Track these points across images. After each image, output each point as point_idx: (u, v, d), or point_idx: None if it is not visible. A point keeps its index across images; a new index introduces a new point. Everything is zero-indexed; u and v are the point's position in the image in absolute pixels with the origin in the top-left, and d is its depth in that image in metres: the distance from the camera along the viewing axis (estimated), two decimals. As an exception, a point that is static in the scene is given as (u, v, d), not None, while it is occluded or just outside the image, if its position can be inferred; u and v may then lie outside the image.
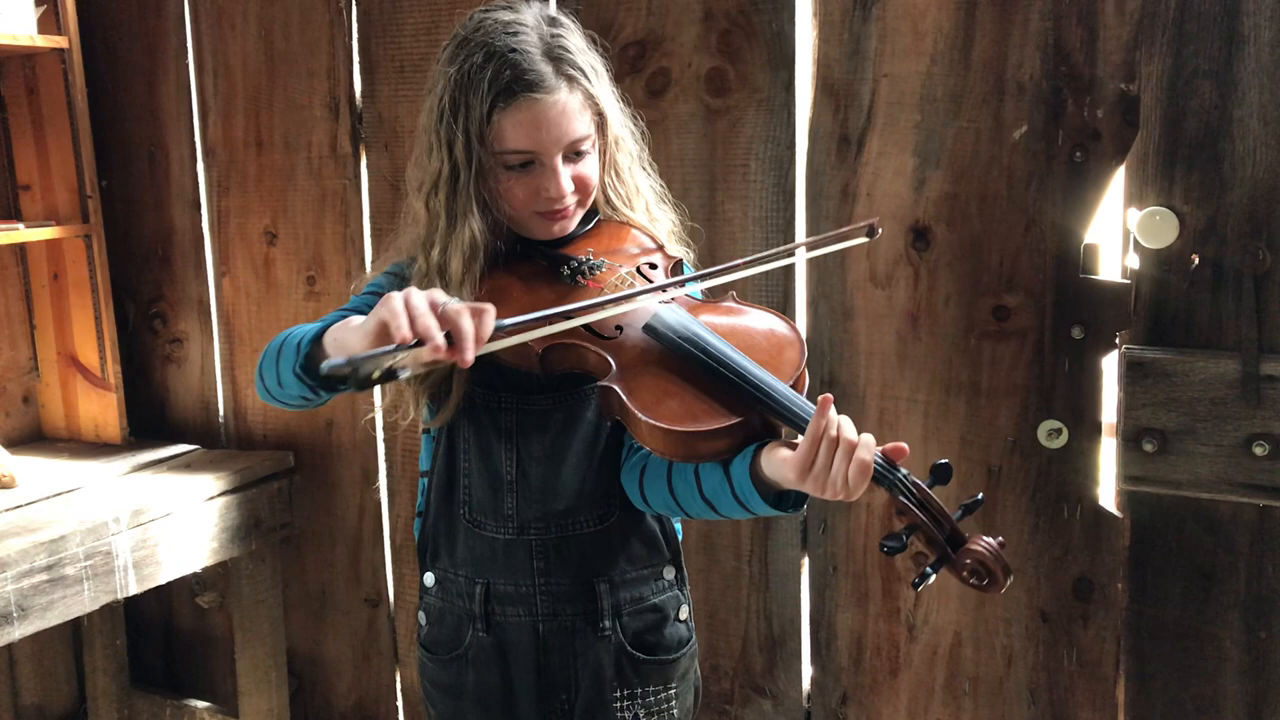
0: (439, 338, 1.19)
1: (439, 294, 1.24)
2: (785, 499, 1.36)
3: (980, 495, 1.35)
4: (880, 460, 1.30)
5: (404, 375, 1.20)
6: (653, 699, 1.58)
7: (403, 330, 1.19)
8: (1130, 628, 1.95)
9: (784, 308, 2.15)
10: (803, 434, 1.30)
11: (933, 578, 1.29)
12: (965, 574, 1.29)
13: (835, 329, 2.12)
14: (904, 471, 1.31)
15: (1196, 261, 1.82)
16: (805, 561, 2.22)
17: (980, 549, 1.28)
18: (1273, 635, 1.85)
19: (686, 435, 1.35)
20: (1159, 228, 1.82)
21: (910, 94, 2.00)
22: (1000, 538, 1.29)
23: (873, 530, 2.14)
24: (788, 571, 2.23)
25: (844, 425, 1.28)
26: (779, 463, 1.31)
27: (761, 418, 1.37)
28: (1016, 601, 2.04)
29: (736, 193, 2.16)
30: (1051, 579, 2.01)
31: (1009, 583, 1.27)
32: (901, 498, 1.30)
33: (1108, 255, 1.92)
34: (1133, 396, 1.83)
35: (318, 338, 1.36)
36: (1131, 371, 1.83)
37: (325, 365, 1.22)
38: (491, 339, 1.27)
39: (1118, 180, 1.88)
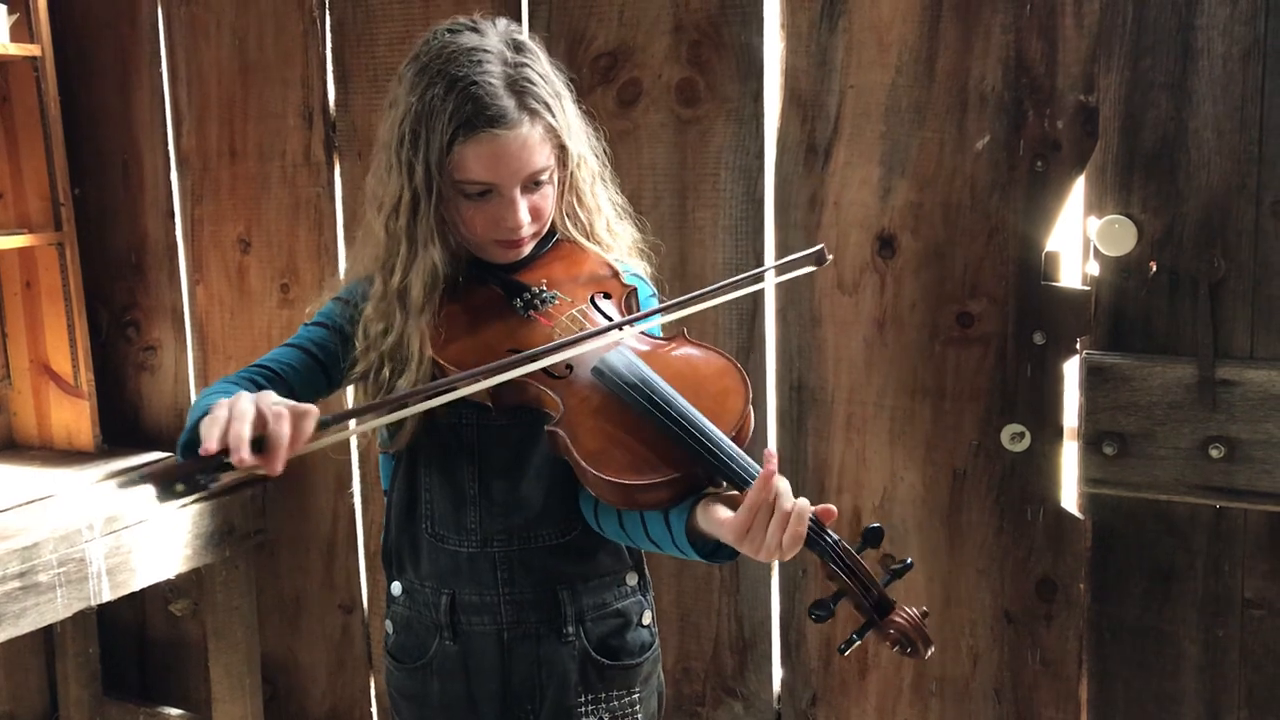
0: (244, 450, 1.17)
1: (269, 396, 1.23)
2: (720, 551, 1.38)
3: (909, 560, 1.37)
4: (813, 525, 1.31)
5: (214, 485, 1.19)
6: (617, 704, 1.58)
7: (208, 442, 1.17)
8: (1092, 627, 1.99)
9: (754, 314, 2.18)
10: (739, 489, 1.31)
11: (858, 643, 1.32)
12: (889, 642, 1.31)
13: (804, 335, 2.15)
14: (834, 537, 1.32)
15: (1154, 269, 1.86)
16: (775, 565, 2.24)
17: (902, 620, 1.30)
18: (1229, 633, 1.90)
19: (628, 487, 1.36)
20: (1118, 236, 1.87)
21: (876, 105, 2.03)
22: (925, 608, 1.32)
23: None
24: (758, 575, 2.26)
25: (782, 495, 1.28)
26: (717, 524, 1.32)
27: (705, 470, 1.37)
28: (981, 603, 2.07)
29: (707, 201, 2.19)
30: (1015, 580, 2.05)
31: (929, 653, 1.30)
32: (831, 564, 1.31)
33: (1068, 263, 1.96)
34: (1093, 401, 1.87)
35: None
36: (1092, 376, 1.87)
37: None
38: (331, 430, 1.26)
39: (1078, 189, 1.92)
